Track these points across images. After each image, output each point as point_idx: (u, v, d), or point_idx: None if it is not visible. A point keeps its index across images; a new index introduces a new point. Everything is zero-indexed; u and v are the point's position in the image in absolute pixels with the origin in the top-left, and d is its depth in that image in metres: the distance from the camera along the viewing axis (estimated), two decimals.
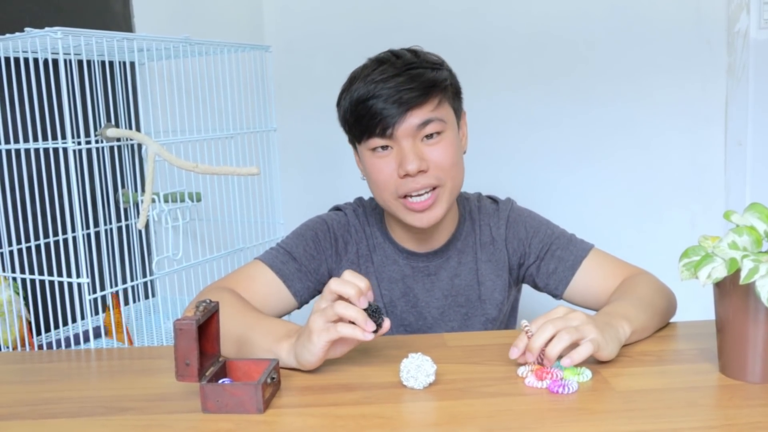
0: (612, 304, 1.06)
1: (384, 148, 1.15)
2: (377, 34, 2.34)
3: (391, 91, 1.12)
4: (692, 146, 2.15)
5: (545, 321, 0.92)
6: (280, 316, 1.22)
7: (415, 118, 1.13)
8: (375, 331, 0.90)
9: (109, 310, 1.49)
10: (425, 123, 1.13)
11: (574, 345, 0.90)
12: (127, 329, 1.48)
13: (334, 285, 0.91)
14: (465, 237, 1.29)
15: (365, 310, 0.90)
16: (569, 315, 0.92)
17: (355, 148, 1.24)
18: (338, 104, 1.22)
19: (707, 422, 0.78)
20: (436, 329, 1.28)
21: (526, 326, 0.93)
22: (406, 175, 1.14)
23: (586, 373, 0.91)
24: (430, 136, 1.15)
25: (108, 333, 1.48)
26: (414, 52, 1.19)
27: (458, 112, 1.23)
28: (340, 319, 0.90)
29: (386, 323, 0.91)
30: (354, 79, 1.18)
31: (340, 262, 1.28)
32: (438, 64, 1.19)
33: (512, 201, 1.33)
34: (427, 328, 1.28)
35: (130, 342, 1.50)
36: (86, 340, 1.51)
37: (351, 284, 0.90)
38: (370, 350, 1.05)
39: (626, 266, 1.22)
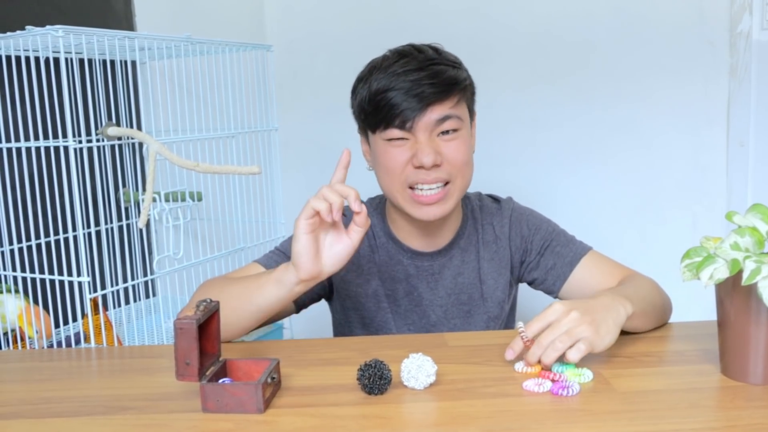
0: (614, 288, 1.07)
1: (400, 139, 1.16)
2: (379, 34, 2.33)
3: (412, 85, 1.12)
4: (694, 147, 2.15)
5: (540, 327, 0.92)
6: (277, 320, 1.22)
7: (434, 113, 1.13)
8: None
9: (87, 316, 1.49)
10: (444, 119, 1.14)
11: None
12: (117, 334, 1.47)
13: (337, 184, 0.98)
14: (468, 236, 1.29)
15: (369, 367, 0.87)
16: (563, 320, 0.91)
17: (365, 137, 1.24)
18: (353, 92, 1.21)
19: (709, 423, 0.78)
20: (439, 327, 1.28)
21: (521, 330, 0.93)
22: (420, 167, 1.14)
23: (587, 374, 0.90)
24: (446, 132, 1.16)
25: (86, 338, 1.47)
26: (435, 49, 1.20)
27: (472, 113, 1.24)
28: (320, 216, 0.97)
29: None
30: (374, 69, 1.18)
31: None
32: (458, 63, 1.20)
33: (513, 200, 1.34)
34: (431, 327, 1.28)
35: (120, 343, 1.48)
36: (86, 340, 1.51)
37: (350, 188, 0.97)
38: (371, 350, 1.05)
39: (624, 268, 1.23)
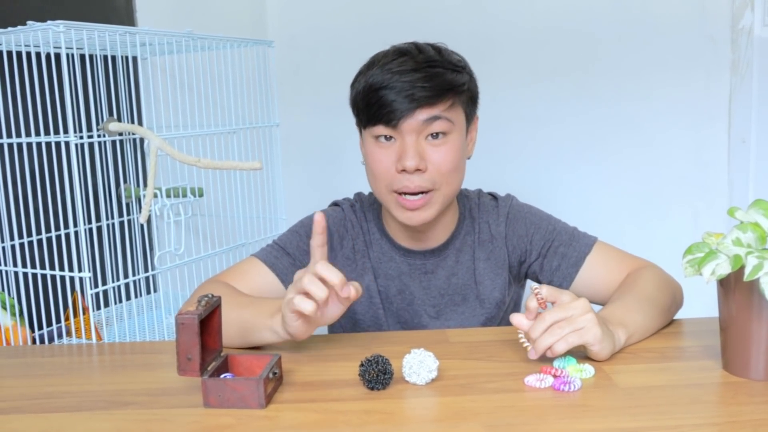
0: (610, 306, 1.05)
1: (388, 138, 1.15)
2: (380, 29, 2.33)
3: (406, 85, 1.10)
4: (696, 143, 2.15)
5: (551, 293, 0.92)
6: None
7: (423, 114, 1.11)
8: (377, 386, 0.88)
9: (68, 311, 1.48)
10: (432, 119, 1.12)
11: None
12: (96, 328, 1.46)
13: (320, 269, 0.89)
14: (464, 236, 1.28)
15: (371, 362, 0.87)
16: (572, 303, 0.92)
17: (360, 131, 1.23)
18: (352, 85, 1.20)
19: (710, 419, 0.78)
20: (432, 328, 1.27)
21: (536, 289, 0.93)
22: (403, 171, 1.13)
23: (589, 370, 0.90)
24: (435, 135, 1.13)
25: (76, 332, 1.46)
26: (438, 50, 1.17)
27: (470, 116, 1.21)
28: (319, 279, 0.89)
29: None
30: (372, 64, 1.16)
31: (335, 257, 1.27)
32: (460, 66, 1.17)
33: (512, 197, 1.31)
34: (423, 327, 1.27)
35: (99, 338, 1.48)
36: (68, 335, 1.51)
37: (335, 273, 0.89)
38: (373, 346, 1.05)
39: (631, 259, 1.21)
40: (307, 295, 0.89)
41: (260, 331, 0.99)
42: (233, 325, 1.01)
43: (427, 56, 1.14)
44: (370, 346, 1.05)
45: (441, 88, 1.11)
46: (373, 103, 1.13)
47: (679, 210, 2.18)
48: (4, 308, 1.39)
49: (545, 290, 0.93)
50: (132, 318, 1.66)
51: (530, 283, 0.95)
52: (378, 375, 0.87)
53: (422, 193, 1.14)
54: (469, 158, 1.24)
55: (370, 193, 1.33)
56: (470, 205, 1.30)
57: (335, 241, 1.27)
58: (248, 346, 1.04)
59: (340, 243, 1.28)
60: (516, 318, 0.94)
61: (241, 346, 1.04)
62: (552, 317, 0.90)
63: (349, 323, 1.30)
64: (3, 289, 1.47)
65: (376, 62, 1.16)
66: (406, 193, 1.14)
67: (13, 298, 1.44)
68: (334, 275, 0.89)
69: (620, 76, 2.18)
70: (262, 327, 0.98)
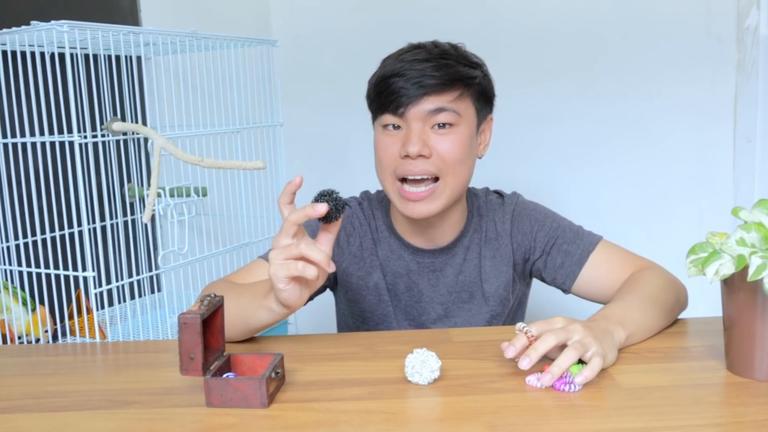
0: (610, 305, 1.04)
1: (395, 127, 1.16)
2: (384, 29, 2.33)
3: (415, 73, 1.12)
4: (701, 143, 2.14)
5: (547, 330, 0.90)
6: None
7: (429, 103, 1.13)
8: (329, 220, 0.90)
9: (72, 307, 1.48)
10: (438, 110, 1.13)
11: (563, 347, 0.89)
12: (100, 326, 1.47)
13: (294, 217, 0.90)
14: (472, 234, 1.28)
15: (323, 197, 0.89)
16: (569, 327, 0.90)
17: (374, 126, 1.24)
18: (369, 80, 1.22)
19: (714, 420, 0.77)
20: (439, 325, 1.27)
21: (524, 328, 0.91)
22: (407, 156, 1.14)
23: None
24: (442, 126, 1.14)
25: (80, 332, 1.47)
26: (454, 47, 1.20)
27: (481, 114, 1.21)
28: (302, 258, 0.89)
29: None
30: (389, 57, 1.19)
31: (343, 254, 1.28)
32: (474, 64, 1.19)
33: (518, 195, 1.32)
34: (431, 323, 1.27)
35: (103, 336, 1.48)
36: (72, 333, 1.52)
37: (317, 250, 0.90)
38: (375, 345, 1.05)
39: (635, 259, 1.21)
40: (304, 260, 0.89)
41: (256, 312, 0.99)
42: (234, 316, 1.02)
43: (442, 49, 1.17)
44: (373, 346, 1.05)
45: (450, 78, 1.13)
46: (383, 91, 1.15)
47: (684, 209, 2.17)
48: (25, 304, 1.40)
49: (535, 328, 0.90)
50: (136, 317, 1.67)
51: (517, 326, 0.92)
52: (337, 205, 0.89)
53: (427, 181, 1.15)
54: (480, 158, 1.24)
55: (378, 191, 1.33)
56: (478, 203, 1.30)
57: (342, 239, 1.28)
58: (251, 333, 1.05)
59: (346, 240, 1.28)
60: (509, 351, 0.91)
61: (245, 335, 1.05)
62: (557, 337, 0.88)
63: (358, 320, 1.30)
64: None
65: (392, 55, 1.19)
66: (407, 180, 1.15)
67: (25, 292, 1.44)
68: (318, 254, 0.89)
69: (625, 75, 2.17)
70: (258, 307, 0.99)
